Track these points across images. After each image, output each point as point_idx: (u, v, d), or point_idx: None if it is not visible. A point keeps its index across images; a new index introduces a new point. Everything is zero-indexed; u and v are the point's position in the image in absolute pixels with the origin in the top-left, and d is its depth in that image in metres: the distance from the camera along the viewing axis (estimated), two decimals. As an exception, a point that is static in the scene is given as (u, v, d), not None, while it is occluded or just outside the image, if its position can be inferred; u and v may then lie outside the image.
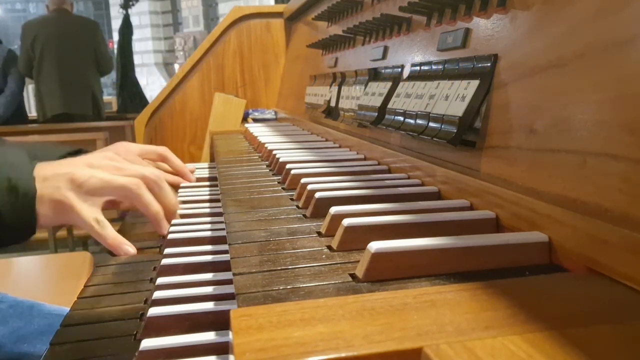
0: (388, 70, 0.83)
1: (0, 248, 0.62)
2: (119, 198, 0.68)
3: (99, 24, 4.09)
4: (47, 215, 0.61)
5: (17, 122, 3.72)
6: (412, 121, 0.64)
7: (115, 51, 5.06)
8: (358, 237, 0.42)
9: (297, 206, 0.57)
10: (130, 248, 0.64)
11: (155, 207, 0.66)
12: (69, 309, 0.51)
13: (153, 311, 0.42)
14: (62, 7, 3.78)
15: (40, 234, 2.72)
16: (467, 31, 0.60)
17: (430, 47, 0.70)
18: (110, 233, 0.64)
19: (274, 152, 0.86)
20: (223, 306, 0.42)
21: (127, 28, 5.10)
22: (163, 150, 0.87)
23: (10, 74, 3.75)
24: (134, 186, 0.65)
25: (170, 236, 0.63)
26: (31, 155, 0.69)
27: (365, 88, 0.87)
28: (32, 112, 5.12)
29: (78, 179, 0.63)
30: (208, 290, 0.46)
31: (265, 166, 0.85)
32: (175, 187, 0.88)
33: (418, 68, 0.70)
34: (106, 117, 4.06)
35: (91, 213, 0.63)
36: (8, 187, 0.59)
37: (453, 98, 0.56)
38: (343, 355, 0.24)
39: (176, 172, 0.89)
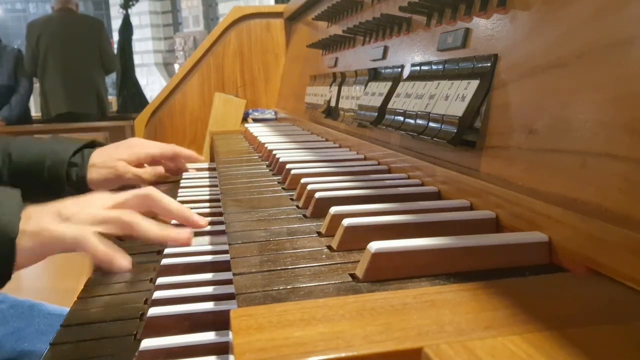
0: (388, 70, 0.83)
1: None
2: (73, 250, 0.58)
3: (103, 23, 4.09)
4: (26, 249, 0.55)
5: (20, 121, 3.73)
6: (412, 121, 0.64)
7: (116, 51, 5.05)
8: (358, 237, 0.42)
9: (297, 206, 0.57)
10: (124, 261, 0.54)
11: (102, 253, 0.54)
12: (69, 309, 0.51)
13: (153, 311, 0.42)
14: (66, 6, 3.78)
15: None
16: (467, 31, 0.60)
17: (430, 47, 0.70)
18: (100, 247, 0.54)
19: (274, 152, 0.86)
20: (223, 306, 0.43)
21: (127, 28, 5.10)
22: (171, 152, 0.94)
23: (22, 73, 3.77)
24: (81, 238, 0.55)
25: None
26: (52, 150, 0.68)
27: (365, 88, 0.87)
28: (34, 111, 5.12)
29: (64, 213, 0.56)
30: (208, 290, 0.46)
31: (265, 166, 0.85)
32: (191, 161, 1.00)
33: (418, 68, 0.70)
34: (106, 117, 4.06)
35: (75, 227, 0.56)
36: None
37: (453, 98, 0.56)
38: (343, 355, 0.24)
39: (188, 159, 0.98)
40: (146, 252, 0.65)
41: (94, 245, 0.54)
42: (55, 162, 0.86)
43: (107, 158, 0.89)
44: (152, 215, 0.60)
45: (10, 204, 0.56)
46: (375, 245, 0.36)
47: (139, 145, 0.93)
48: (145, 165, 0.92)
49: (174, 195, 0.73)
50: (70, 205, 0.57)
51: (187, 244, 0.55)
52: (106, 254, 0.54)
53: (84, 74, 3.77)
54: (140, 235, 0.55)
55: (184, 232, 0.56)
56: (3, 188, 0.59)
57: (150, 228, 0.55)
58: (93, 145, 0.95)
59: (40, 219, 0.55)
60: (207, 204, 0.79)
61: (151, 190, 0.60)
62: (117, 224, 0.55)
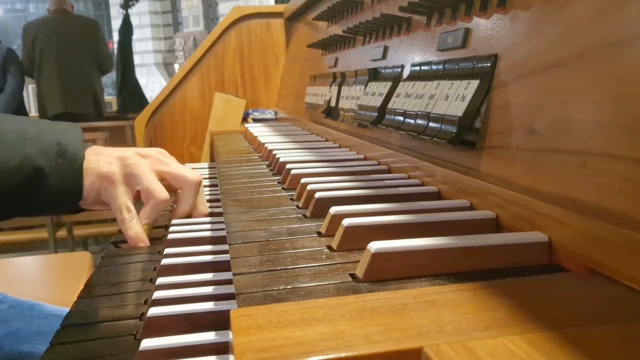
0: (388, 70, 0.83)
1: (47, 215, 0.65)
2: (143, 197, 0.69)
3: (99, 23, 4.09)
4: (87, 187, 0.63)
5: (17, 121, 3.72)
6: (412, 121, 0.64)
7: (115, 51, 5.05)
8: (358, 237, 0.42)
9: (297, 206, 0.57)
10: (145, 242, 0.67)
11: (138, 228, 0.67)
12: (69, 309, 0.51)
13: (153, 311, 0.42)
14: (62, 7, 3.79)
15: (40, 234, 2.72)
16: (467, 31, 0.60)
17: (430, 47, 0.70)
18: (135, 225, 0.66)
19: (274, 152, 0.86)
20: (223, 306, 0.42)
21: (127, 28, 5.10)
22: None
23: (10, 72, 3.74)
24: (161, 199, 0.67)
25: (170, 236, 0.63)
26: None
27: (365, 88, 0.87)
28: (32, 111, 5.12)
29: (126, 158, 0.66)
30: (208, 290, 0.46)
31: (265, 166, 0.85)
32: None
33: (418, 68, 0.70)
34: (106, 117, 4.06)
35: (125, 199, 0.65)
36: (57, 150, 0.61)
37: (453, 98, 0.56)
38: (343, 355, 0.24)
39: None
40: (147, 252, 0.65)
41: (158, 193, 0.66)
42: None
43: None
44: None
45: (74, 133, 0.65)
46: (375, 245, 0.36)
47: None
48: None
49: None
50: (132, 155, 0.66)
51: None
52: (137, 233, 0.66)
53: (80, 75, 3.78)
54: (144, 215, 0.67)
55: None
56: (61, 122, 0.67)
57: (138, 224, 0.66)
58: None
59: (103, 159, 0.65)
60: (207, 204, 0.78)
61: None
62: (149, 197, 0.66)
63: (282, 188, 0.67)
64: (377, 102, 0.78)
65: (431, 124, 0.59)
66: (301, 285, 0.35)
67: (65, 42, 3.71)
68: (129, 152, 0.67)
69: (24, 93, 4.13)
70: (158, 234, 0.69)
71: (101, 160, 0.65)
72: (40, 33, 3.70)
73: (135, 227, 0.66)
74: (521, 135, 0.47)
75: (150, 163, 0.68)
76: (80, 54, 3.76)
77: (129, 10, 5.35)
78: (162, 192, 0.67)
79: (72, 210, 0.67)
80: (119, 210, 0.65)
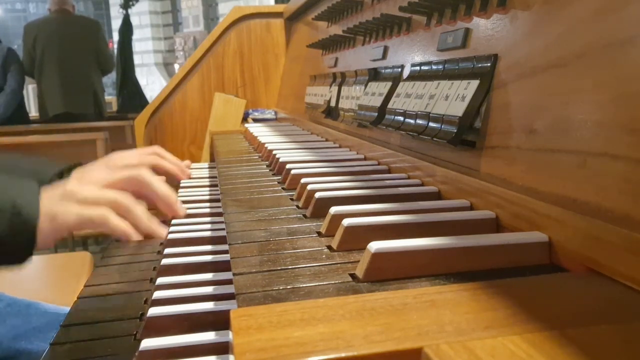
0: (388, 70, 0.83)
1: None
2: (92, 228, 0.64)
3: (99, 23, 4.09)
4: (46, 227, 0.59)
5: (17, 121, 3.72)
6: (412, 121, 0.64)
7: (115, 51, 5.05)
8: (358, 237, 0.42)
9: (297, 206, 0.57)
10: (136, 236, 0.63)
11: (122, 228, 0.62)
12: (66, 308, 0.51)
13: (153, 311, 0.42)
14: (63, 7, 3.79)
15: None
16: (467, 31, 0.60)
17: (430, 47, 0.70)
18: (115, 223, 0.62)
19: (274, 152, 0.86)
20: (223, 306, 0.43)
21: (127, 28, 5.10)
22: (157, 149, 0.87)
23: (10, 72, 3.74)
24: (98, 218, 0.61)
25: (170, 236, 0.63)
26: (30, 170, 0.70)
27: (365, 88, 0.87)
28: (32, 111, 5.11)
29: (76, 194, 0.62)
30: (208, 290, 0.46)
31: (265, 166, 0.85)
32: (177, 181, 0.89)
33: (418, 68, 0.70)
34: (106, 117, 4.06)
35: (116, 221, 0.61)
36: (11, 215, 0.58)
37: (453, 98, 0.56)
38: (343, 355, 0.24)
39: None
40: (147, 252, 0.65)
41: (113, 223, 0.62)
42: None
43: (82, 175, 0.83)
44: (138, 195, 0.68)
45: (30, 192, 0.61)
46: (375, 245, 0.36)
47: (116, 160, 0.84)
48: None
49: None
50: (74, 184, 0.63)
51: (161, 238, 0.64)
52: (119, 228, 0.61)
53: (81, 75, 3.77)
54: (131, 221, 0.62)
55: (164, 231, 0.64)
56: (17, 178, 0.64)
57: (142, 218, 0.63)
58: (76, 166, 0.91)
59: (54, 202, 0.61)
60: (207, 204, 0.79)
61: (143, 172, 0.68)
62: (114, 206, 0.62)
63: (282, 188, 0.67)
64: (377, 102, 0.78)
65: (431, 124, 0.59)
66: (301, 285, 0.35)
67: (66, 42, 3.71)
68: (70, 185, 0.63)
69: (24, 93, 4.13)
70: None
71: (50, 201, 0.61)
72: (42, 33, 3.70)
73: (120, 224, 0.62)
74: (521, 135, 0.47)
75: (98, 175, 0.66)
76: (81, 54, 3.76)
77: (129, 10, 5.35)
78: (98, 214, 0.62)
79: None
80: (119, 228, 0.62)
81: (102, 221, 0.62)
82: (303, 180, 0.61)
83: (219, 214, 0.71)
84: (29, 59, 3.75)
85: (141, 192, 0.68)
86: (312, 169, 0.71)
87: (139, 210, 0.64)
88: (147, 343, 0.38)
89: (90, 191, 0.64)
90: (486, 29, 0.56)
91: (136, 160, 0.76)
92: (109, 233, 0.63)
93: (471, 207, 0.50)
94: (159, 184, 0.68)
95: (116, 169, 0.69)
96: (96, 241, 3.34)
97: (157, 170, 0.81)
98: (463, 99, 0.54)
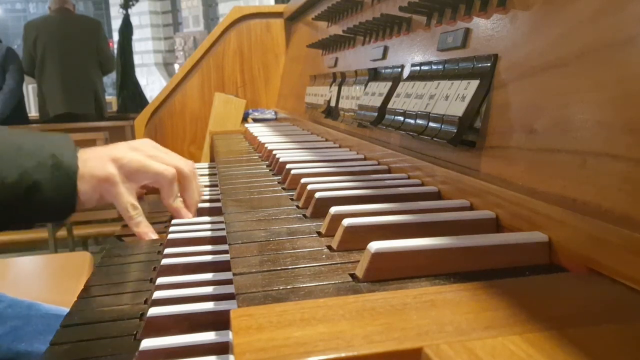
0: (388, 70, 0.83)
1: (41, 223, 0.66)
2: (152, 184, 0.71)
3: (100, 23, 4.09)
4: (88, 193, 0.64)
5: (17, 121, 3.72)
6: (412, 121, 0.64)
7: (115, 51, 5.04)
8: (358, 237, 0.42)
9: (297, 206, 0.57)
10: (153, 235, 0.69)
11: (177, 203, 0.70)
12: (67, 309, 0.51)
13: (153, 311, 0.42)
14: (63, 6, 3.78)
15: (40, 234, 2.72)
16: (467, 31, 0.60)
17: (430, 47, 0.70)
18: (143, 221, 0.68)
19: (274, 152, 0.86)
20: (223, 306, 0.42)
21: (127, 28, 5.09)
22: (194, 168, 0.90)
23: (9, 71, 3.73)
24: (170, 175, 0.69)
25: (170, 236, 0.63)
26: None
27: (365, 88, 0.87)
28: (32, 111, 5.11)
29: (120, 158, 0.66)
30: (208, 290, 0.46)
31: (265, 166, 0.85)
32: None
33: (418, 68, 0.70)
34: (106, 117, 4.05)
35: (128, 197, 0.67)
36: (52, 163, 0.62)
37: (453, 98, 0.56)
38: (343, 355, 0.24)
39: None
40: (147, 252, 0.65)
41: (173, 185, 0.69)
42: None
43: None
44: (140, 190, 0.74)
45: (67, 144, 0.65)
46: (375, 245, 0.36)
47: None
48: None
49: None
50: (124, 153, 0.67)
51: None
52: (146, 227, 0.69)
53: (82, 75, 3.77)
54: (165, 197, 0.69)
55: (187, 216, 0.71)
56: (54, 134, 0.68)
57: (174, 196, 0.69)
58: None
59: (98, 163, 0.66)
60: (207, 204, 0.78)
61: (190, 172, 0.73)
62: (157, 179, 0.68)
63: (282, 188, 0.67)
64: (377, 102, 0.78)
65: (431, 124, 0.59)
66: (301, 285, 0.35)
67: (67, 42, 3.70)
68: (120, 150, 0.68)
69: (24, 93, 4.12)
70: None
71: (96, 164, 0.65)
72: (42, 32, 3.69)
73: (143, 223, 0.68)
74: (521, 135, 0.47)
75: (144, 154, 0.69)
76: (83, 53, 3.75)
77: (129, 10, 5.35)
78: (168, 171, 0.69)
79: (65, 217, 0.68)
80: (125, 209, 0.66)
81: (168, 178, 0.67)
82: (303, 180, 0.61)
83: (219, 214, 0.71)
84: (29, 58, 3.75)
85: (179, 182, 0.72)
86: (312, 169, 0.71)
87: (175, 189, 0.70)
88: (147, 343, 0.38)
89: (157, 151, 0.70)
90: (486, 29, 0.56)
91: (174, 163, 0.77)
92: (164, 197, 0.69)
93: (471, 207, 0.50)
94: (174, 194, 0.71)
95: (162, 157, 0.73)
96: (96, 241, 3.34)
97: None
98: (463, 99, 0.54)
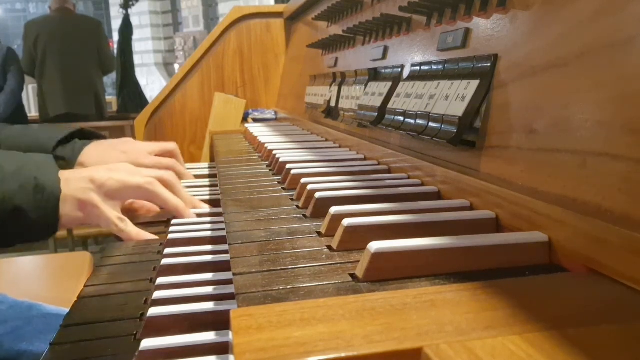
0: (388, 70, 0.83)
1: (23, 244, 0.66)
2: (137, 198, 0.72)
3: (101, 23, 4.09)
4: (70, 214, 0.65)
5: (16, 122, 3.71)
6: (412, 121, 0.64)
7: (115, 51, 5.04)
8: (358, 237, 0.42)
9: (297, 206, 0.57)
10: (146, 235, 0.70)
11: (174, 200, 0.71)
12: (67, 309, 0.51)
13: (153, 311, 0.42)
14: (64, 6, 3.78)
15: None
16: (467, 31, 0.60)
17: (430, 47, 0.70)
18: (132, 229, 0.69)
19: (274, 152, 0.86)
20: (223, 306, 0.43)
21: (127, 28, 5.09)
22: (173, 147, 0.91)
23: (10, 72, 3.73)
24: (149, 185, 0.69)
25: (170, 236, 0.63)
26: (36, 139, 0.72)
27: (365, 88, 0.87)
28: (32, 112, 5.11)
29: (98, 180, 0.67)
30: (208, 290, 0.46)
31: (265, 166, 0.85)
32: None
33: (418, 68, 0.70)
34: (107, 117, 4.06)
35: (111, 213, 0.67)
36: (34, 186, 0.62)
37: (453, 98, 0.56)
38: (343, 355, 0.24)
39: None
40: (147, 252, 0.65)
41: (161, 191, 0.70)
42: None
43: (100, 161, 0.84)
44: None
45: (48, 166, 0.66)
46: (375, 245, 0.36)
47: (135, 152, 0.89)
48: None
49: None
50: (101, 174, 0.68)
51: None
52: (139, 233, 0.69)
53: (82, 75, 3.77)
54: (161, 203, 0.71)
55: (190, 214, 0.71)
56: (36, 154, 0.69)
57: (170, 197, 0.70)
58: (84, 135, 0.93)
59: (79, 186, 0.66)
60: (207, 208, 0.78)
61: (155, 185, 0.71)
62: (142, 192, 0.70)
63: (282, 188, 0.67)
64: (377, 102, 0.78)
65: (431, 124, 0.59)
66: (301, 285, 0.35)
67: (68, 42, 3.70)
68: (100, 172, 0.68)
69: (24, 93, 4.12)
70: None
71: (77, 186, 0.66)
72: (43, 32, 3.69)
73: (132, 230, 0.69)
74: (521, 135, 0.47)
75: (124, 173, 0.70)
76: (83, 54, 3.76)
77: (129, 10, 5.35)
78: (147, 181, 0.70)
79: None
80: (111, 225, 0.67)
81: (150, 187, 0.68)
82: (303, 180, 0.61)
83: (219, 214, 0.71)
84: (29, 57, 3.75)
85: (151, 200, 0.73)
86: (312, 169, 0.71)
87: (166, 193, 0.70)
88: (147, 343, 0.38)
89: (132, 167, 0.71)
90: (486, 29, 0.56)
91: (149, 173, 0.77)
92: (161, 204, 0.70)
93: (471, 207, 0.50)
94: (168, 195, 0.72)
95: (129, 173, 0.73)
96: (96, 241, 3.34)
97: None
98: (463, 99, 0.54)
